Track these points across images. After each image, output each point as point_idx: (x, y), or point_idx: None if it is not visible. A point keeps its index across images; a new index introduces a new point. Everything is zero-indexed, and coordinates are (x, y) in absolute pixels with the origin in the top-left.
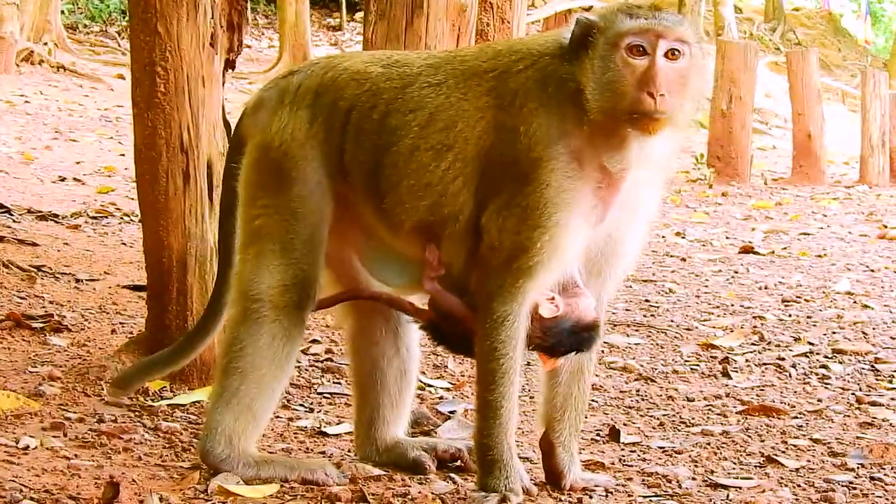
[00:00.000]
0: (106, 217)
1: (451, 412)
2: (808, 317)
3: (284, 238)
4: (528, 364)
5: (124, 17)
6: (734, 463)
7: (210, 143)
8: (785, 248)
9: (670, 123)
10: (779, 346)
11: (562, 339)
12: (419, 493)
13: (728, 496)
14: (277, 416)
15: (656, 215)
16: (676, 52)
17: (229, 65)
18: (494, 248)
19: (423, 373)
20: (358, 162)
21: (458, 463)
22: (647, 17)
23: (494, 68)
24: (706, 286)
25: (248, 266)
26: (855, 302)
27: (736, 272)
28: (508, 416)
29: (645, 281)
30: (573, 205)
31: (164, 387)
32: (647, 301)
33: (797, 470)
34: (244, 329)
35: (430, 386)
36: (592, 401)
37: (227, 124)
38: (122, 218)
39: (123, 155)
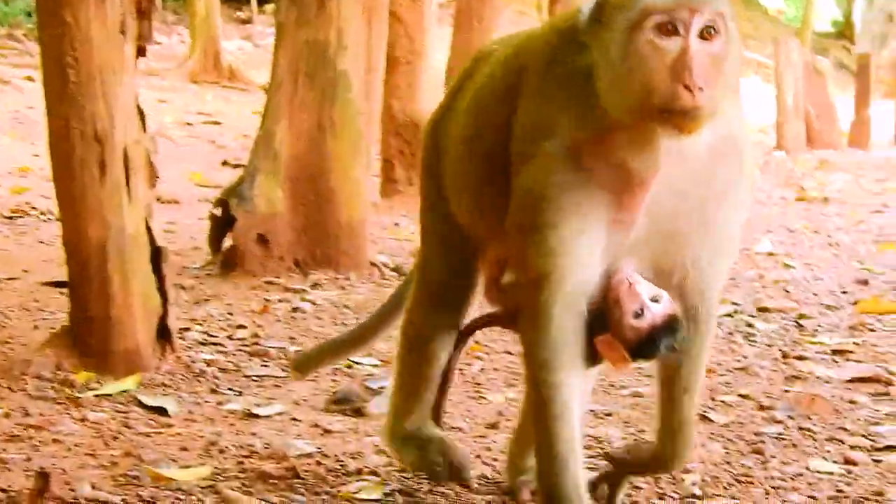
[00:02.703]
0: (22, 216)
1: (381, 388)
2: (732, 278)
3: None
4: None
5: (30, 19)
6: None
7: (125, 132)
8: None
9: (710, 119)
10: None
11: (649, 334)
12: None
13: None
14: (206, 401)
15: (744, 200)
16: (713, 31)
17: (140, 52)
18: (510, 253)
19: None
20: None
21: None
22: None
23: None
24: None
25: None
26: (776, 262)
27: None
28: (568, 451)
29: None
30: (573, 207)
31: (91, 378)
32: None
33: (727, 425)
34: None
35: (358, 363)
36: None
37: (141, 112)
38: (38, 217)
39: (37, 156)
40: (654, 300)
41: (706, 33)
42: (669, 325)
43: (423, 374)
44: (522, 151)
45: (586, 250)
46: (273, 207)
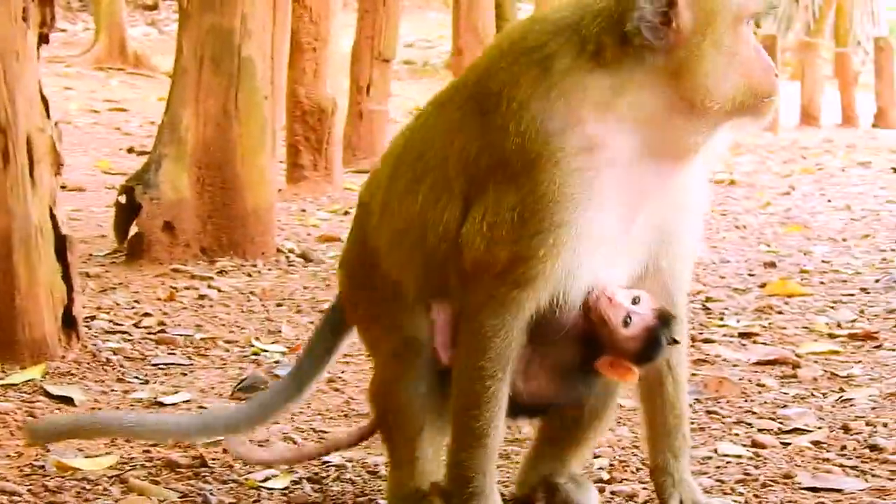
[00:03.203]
0: None
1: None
2: None
3: None
4: None
5: None
6: None
7: (29, 120)
8: None
9: None
10: None
11: (654, 337)
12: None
13: None
14: (112, 390)
15: (706, 205)
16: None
17: (43, 39)
18: (483, 262)
19: (258, 338)
20: None
21: None
22: None
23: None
24: None
25: None
26: None
27: None
28: (494, 446)
29: None
30: (585, 203)
31: None
32: None
33: (635, 409)
34: None
35: (265, 351)
36: None
37: (44, 100)
38: None
39: None
40: (636, 302)
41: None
42: (661, 319)
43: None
44: (525, 156)
45: (598, 247)
46: (179, 194)
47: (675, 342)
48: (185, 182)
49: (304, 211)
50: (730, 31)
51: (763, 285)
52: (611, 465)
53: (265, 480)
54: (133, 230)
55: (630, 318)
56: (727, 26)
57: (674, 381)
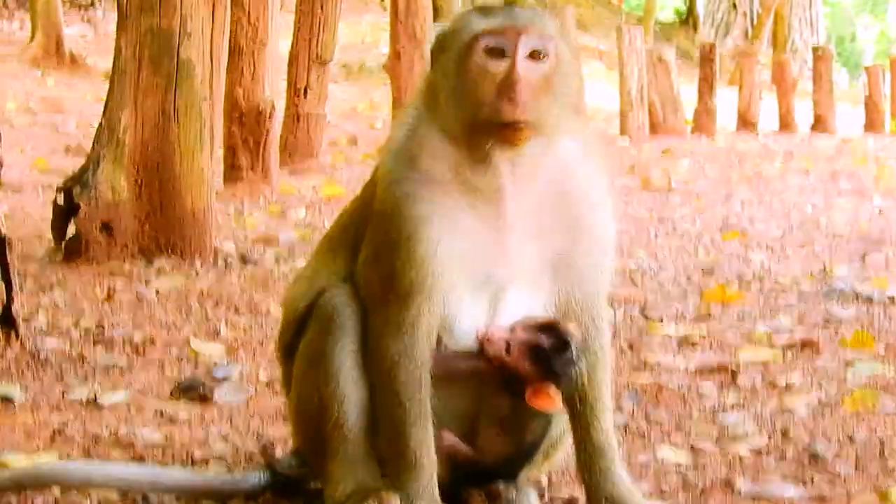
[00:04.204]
0: None
1: (226, 377)
2: None
3: None
4: None
5: None
6: None
7: None
8: None
9: (539, 132)
10: None
11: (540, 352)
12: None
13: None
14: (51, 389)
15: (610, 235)
16: (540, 52)
17: None
18: (369, 292)
19: (195, 335)
20: None
21: None
22: (505, 14)
23: None
24: None
25: None
26: (622, 251)
27: None
28: (429, 467)
29: None
30: (434, 230)
31: None
32: None
33: None
34: None
35: (203, 352)
36: None
37: None
38: None
39: None
40: (512, 330)
41: (535, 55)
42: (543, 332)
43: None
44: (379, 200)
45: (453, 259)
46: (117, 195)
47: (565, 346)
48: (122, 183)
49: (241, 211)
50: (461, 61)
51: (701, 293)
52: (549, 472)
53: None
54: (71, 231)
55: (510, 345)
56: (458, 56)
57: (592, 407)
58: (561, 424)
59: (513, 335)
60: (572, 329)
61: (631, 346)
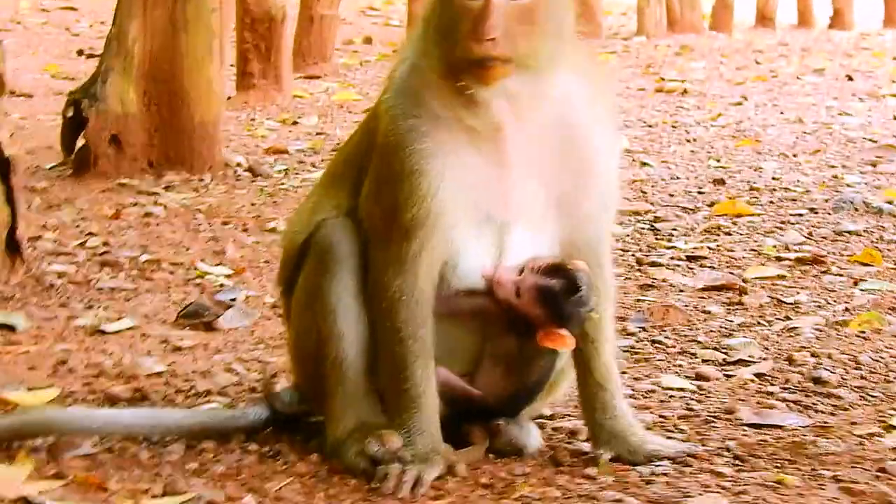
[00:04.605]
0: None
1: (232, 300)
2: None
3: None
4: None
5: None
6: None
7: None
8: None
9: (522, 69)
10: None
11: (550, 295)
12: None
13: None
14: (55, 316)
15: (615, 174)
16: None
17: None
18: (371, 226)
19: (203, 260)
20: None
21: None
22: None
23: None
24: None
25: None
26: (634, 160)
27: None
28: (431, 404)
29: None
30: (437, 165)
31: None
32: None
33: None
34: None
35: (209, 273)
36: None
37: None
38: None
39: None
40: (521, 273)
41: None
42: (553, 274)
43: None
44: (386, 140)
45: (456, 195)
46: (126, 108)
47: (574, 291)
48: (131, 95)
49: (253, 120)
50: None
51: (712, 204)
52: (553, 402)
53: None
54: (80, 143)
55: (519, 288)
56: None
57: (594, 342)
58: (564, 359)
59: (522, 278)
60: (582, 269)
61: (639, 263)
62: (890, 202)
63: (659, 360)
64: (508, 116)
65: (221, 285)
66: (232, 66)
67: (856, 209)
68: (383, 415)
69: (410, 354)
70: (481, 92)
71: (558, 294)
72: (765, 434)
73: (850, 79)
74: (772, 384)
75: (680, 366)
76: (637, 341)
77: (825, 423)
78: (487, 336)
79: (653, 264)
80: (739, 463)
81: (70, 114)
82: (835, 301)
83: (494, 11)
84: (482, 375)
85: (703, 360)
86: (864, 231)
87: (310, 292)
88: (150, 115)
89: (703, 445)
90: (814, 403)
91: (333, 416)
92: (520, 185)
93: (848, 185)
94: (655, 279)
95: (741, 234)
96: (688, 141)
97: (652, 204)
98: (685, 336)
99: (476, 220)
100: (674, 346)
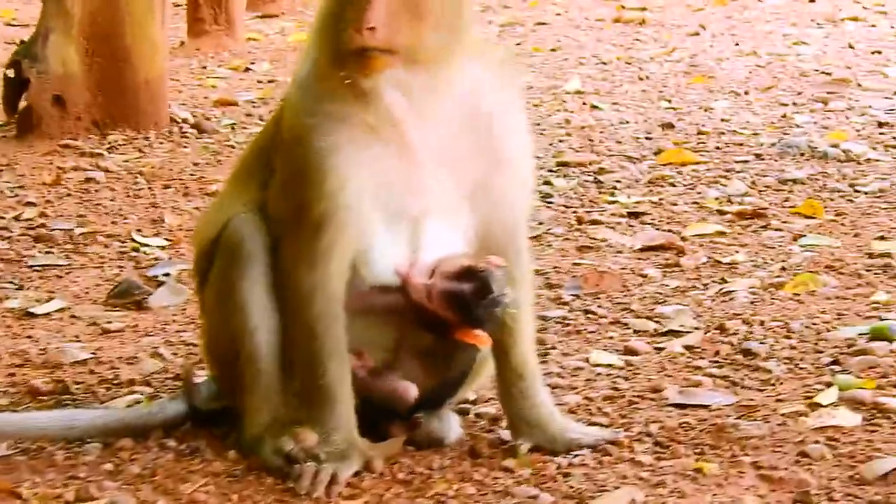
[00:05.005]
0: None
1: (166, 275)
2: (537, 124)
3: None
4: None
5: None
6: None
7: None
8: (519, 44)
9: (410, 60)
10: None
11: (461, 301)
12: None
13: None
14: None
15: (528, 160)
16: None
17: None
18: (281, 222)
19: (140, 230)
20: None
21: None
22: None
23: None
24: None
25: None
26: (585, 103)
27: None
28: (346, 399)
29: None
30: (341, 160)
31: None
32: None
33: None
34: None
35: (145, 245)
36: None
37: None
38: None
39: None
40: (432, 275)
41: None
42: (465, 279)
43: None
44: (287, 137)
45: (362, 190)
46: (67, 68)
47: (485, 295)
48: (73, 55)
49: (204, 69)
50: None
51: (658, 152)
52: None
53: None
54: (23, 104)
55: (431, 292)
56: None
57: (512, 332)
58: (486, 349)
59: (433, 282)
60: (495, 265)
61: (580, 221)
62: (835, 145)
63: (590, 332)
64: (405, 109)
65: (156, 259)
66: (179, 4)
67: (801, 154)
68: (299, 411)
69: (324, 350)
70: (364, 83)
71: (469, 299)
72: (689, 415)
73: (812, 0)
74: (701, 357)
75: (611, 338)
76: (570, 311)
77: (751, 400)
78: (405, 331)
79: (593, 222)
80: (660, 450)
81: (12, 74)
82: (772, 260)
83: (376, 1)
84: (401, 370)
85: (635, 331)
86: (809, 178)
87: (221, 290)
88: (93, 75)
89: (626, 431)
90: (741, 379)
91: (249, 412)
92: (430, 178)
93: (797, 126)
94: (594, 240)
95: (685, 185)
96: (640, 79)
97: (597, 154)
98: (619, 304)
99: (386, 215)
100: (606, 316)
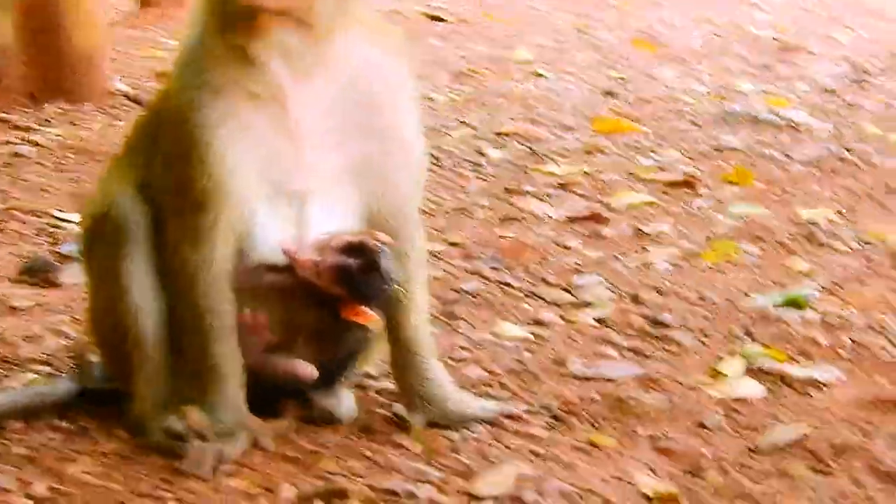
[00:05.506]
0: None
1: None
2: (479, 94)
3: None
4: None
5: None
6: None
7: None
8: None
9: (299, 25)
10: (439, 132)
11: (349, 276)
12: None
13: None
14: None
15: (417, 137)
16: None
17: None
18: (164, 201)
19: (60, 207)
20: None
21: None
22: None
23: None
24: None
25: None
26: (532, 72)
27: (413, 45)
28: (237, 379)
29: None
30: (221, 135)
31: None
32: None
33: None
34: None
35: (65, 221)
36: None
37: None
38: None
39: None
40: (321, 251)
41: None
42: (353, 254)
43: None
44: (170, 108)
45: (244, 165)
46: (2, 39)
47: (374, 270)
48: (7, 27)
49: (151, 40)
50: None
51: (597, 121)
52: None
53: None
54: None
55: (319, 268)
56: None
57: (404, 308)
58: (379, 327)
59: (321, 258)
60: (383, 241)
61: (508, 192)
62: (775, 113)
63: (502, 304)
64: (290, 80)
65: (70, 234)
66: None
67: (739, 122)
68: (188, 390)
69: (211, 329)
70: (250, 48)
71: (357, 274)
72: (591, 387)
73: None
74: (611, 328)
75: (523, 310)
76: (485, 284)
77: (657, 372)
78: (294, 310)
79: (522, 193)
80: (556, 423)
81: None
82: (698, 229)
83: None
84: (292, 349)
85: (548, 303)
86: (744, 146)
87: (105, 270)
88: (27, 46)
89: (525, 404)
90: (650, 350)
91: (137, 392)
92: (314, 154)
93: (741, 93)
94: (521, 210)
95: (619, 155)
96: (592, 48)
97: (536, 123)
98: (536, 276)
99: (270, 192)
100: (521, 288)
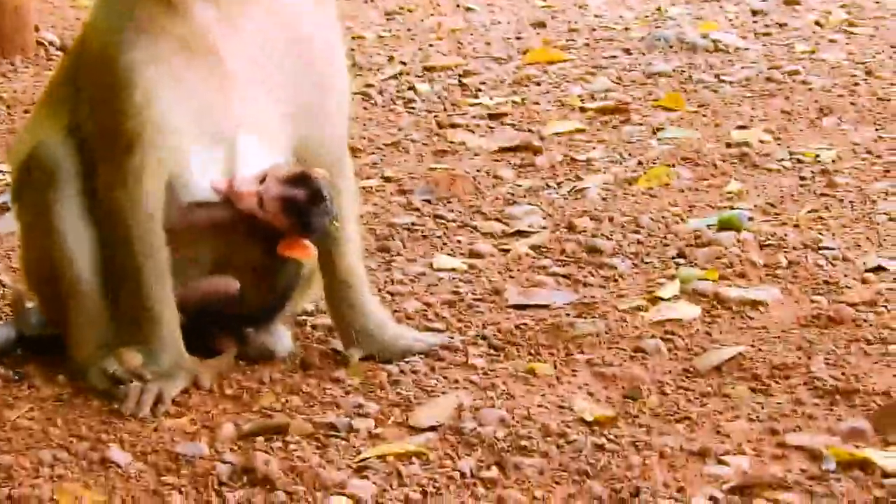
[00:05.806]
0: None
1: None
2: (409, 30)
3: None
4: None
5: None
6: None
7: None
8: None
9: None
10: (370, 69)
11: (295, 206)
12: None
13: None
14: None
15: (344, 77)
16: None
17: None
18: (92, 142)
19: None
20: None
21: None
22: None
23: None
24: None
25: None
26: (458, 6)
27: None
28: (173, 318)
29: None
30: (147, 77)
31: None
32: None
33: (363, 216)
34: None
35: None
36: None
37: None
38: None
39: None
40: (263, 182)
41: None
42: (296, 184)
43: None
44: (94, 48)
45: (172, 107)
46: None
47: (319, 201)
48: None
49: None
50: None
51: (526, 52)
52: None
53: None
54: None
55: (262, 199)
56: None
57: (337, 242)
58: (312, 263)
59: (265, 188)
60: (322, 176)
61: (439, 125)
62: (705, 36)
63: (437, 237)
64: (218, 22)
65: (8, 185)
66: None
67: (670, 47)
68: (125, 332)
69: (144, 269)
70: None
71: (303, 204)
72: (527, 315)
73: None
74: (546, 257)
75: (458, 242)
76: (419, 217)
77: (592, 298)
78: (231, 246)
79: (453, 125)
80: (494, 352)
81: None
82: (630, 155)
83: None
84: (232, 282)
85: (483, 234)
86: (675, 71)
87: (35, 215)
88: None
89: (462, 335)
90: (585, 277)
91: (74, 337)
92: (244, 95)
93: (670, 19)
94: (453, 143)
95: (550, 84)
96: None
97: (464, 57)
98: (470, 207)
99: (201, 132)
100: (455, 220)
